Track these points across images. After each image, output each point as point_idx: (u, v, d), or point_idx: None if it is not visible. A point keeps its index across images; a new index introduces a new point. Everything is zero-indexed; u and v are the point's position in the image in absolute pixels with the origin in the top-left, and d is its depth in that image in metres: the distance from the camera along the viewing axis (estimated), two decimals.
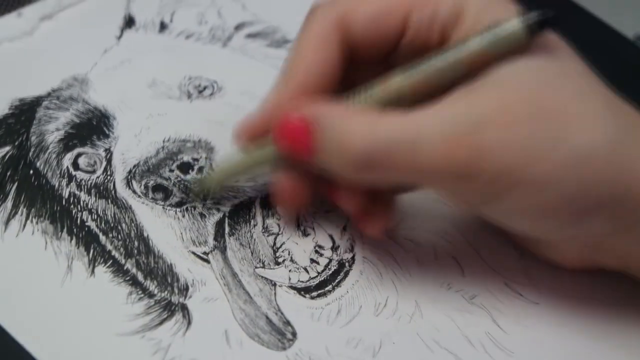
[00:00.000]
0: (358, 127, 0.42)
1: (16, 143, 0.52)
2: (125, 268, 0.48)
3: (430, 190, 0.47)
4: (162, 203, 0.49)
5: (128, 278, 0.47)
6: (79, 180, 0.51)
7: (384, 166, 0.42)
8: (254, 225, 0.50)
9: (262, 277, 0.48)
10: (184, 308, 0.47)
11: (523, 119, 0.40)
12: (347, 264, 0.49)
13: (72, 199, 0.50)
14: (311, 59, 0.45)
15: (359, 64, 0.47)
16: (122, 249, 0.48)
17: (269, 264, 0.48)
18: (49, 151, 0.52)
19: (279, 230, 0.50)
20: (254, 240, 0.49)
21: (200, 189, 0.50)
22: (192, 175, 0.50)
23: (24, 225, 0.49)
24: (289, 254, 0.49)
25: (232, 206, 0.50)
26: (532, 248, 0.49)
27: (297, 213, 0.50)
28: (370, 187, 0.46)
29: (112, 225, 0.49)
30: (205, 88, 0.56)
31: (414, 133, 0.41)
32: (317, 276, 0.48)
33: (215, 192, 0.50)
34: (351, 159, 0.42)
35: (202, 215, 0.49)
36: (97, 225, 0.49)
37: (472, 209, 0.48)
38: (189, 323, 0.46)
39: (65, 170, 0.51)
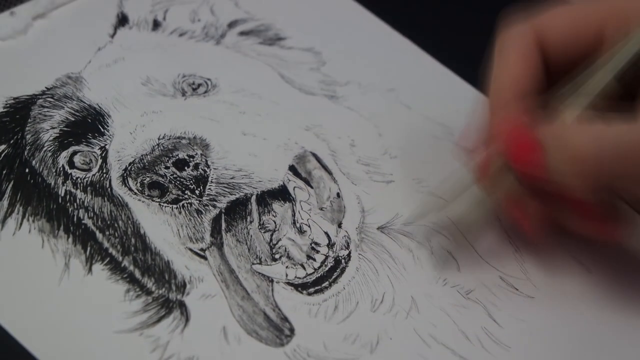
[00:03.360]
0: (586, 137, 0.43)
1: (11, 142, 0.52)
2: (122, 265, 0.48)
3: None
4: (158, 200, 0.49)
5: (125, 275, 0.47)
6: (74, 179, 0.51)
7: (614, 172, 0.43)
8: (250, 222, 0.50)
9: (259, 273, 0.48)
10: (181, 305, 0.47)
11: None
12: (343, 261, 0.49)
13: (68, 197, 0.50)
14: (517, 76, 0.47)
15: (553, 77, 0.47)
16: (119, 247, 0.48)
17: (265, 260, 0.49)
18: (44, 149, 0.51)
19: (275, 227, 0.50)
20: (251, 236, 0.49)
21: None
22: (187, 172, 0.50)
23: (21, 224, 0.49)
24: (285, 251, 0.49)
25: (228, 202, 0.50)
26: None
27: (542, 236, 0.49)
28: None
29: (108, 222, 0.49)
30: (199, 86, 0.56)
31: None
32: (313, 272, 0.48)
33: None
34: (582, 167, 0.43)
35: (198, 211, 0.49)
36: (93, 223, 0.49)
37: None
38: (187, 320, 0.46)
39: (61, 169, 0.51)
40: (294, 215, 0.50)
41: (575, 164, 0.43)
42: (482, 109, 0.48)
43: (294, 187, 0.52)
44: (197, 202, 0.49)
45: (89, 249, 0.48)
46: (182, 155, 0.50)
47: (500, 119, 0.47)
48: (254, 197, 0.50)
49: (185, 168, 0.50)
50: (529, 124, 0.45)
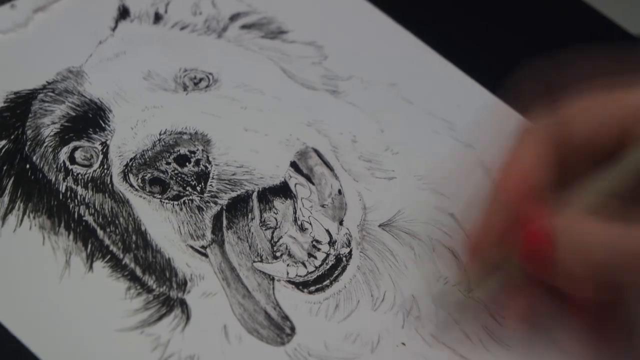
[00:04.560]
0: (600, 237, 0.42)
1: (12, 137, 0.52)
2: (123, 263, 0.48)
3: None
4: (160, 196, 0.49)
5: (126, 273, 0.47)
6: (75, 175, 0.51)
7: (624, 277, 0.42)
8: (252, 219, 0.50)
9: (260, 271, 0.48)
10: (182, 303, 0.47)
11: None
12: (344, 259, 0.49)
13: (69, 193, 0.50)
14: (531, 171, 0.45)
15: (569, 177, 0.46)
16: (120, 244, 0.48)
17: (266, 258, 0.49)
18: (45, 145, 0.51)
19: (276, 224, 0.50)
20: (252, 234, 0.49)
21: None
22: (188, 168, 0.49)
23: (22, 220, 0.48)
24: (286, 248, 0.49)
25: (230, 199, 0.50)
26: None
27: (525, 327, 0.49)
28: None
29: (109, 219, 0.49)
30: (201, 80, 0.56)
31: None
32: (314, 271, 0.48)
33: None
34: (592, 267, 0.42)
35: (199, 208, 0.49)
36: (94, 220, 0.49)
37: None
38: (188, 318, 0.46)
39: (62, 164, 0.51)
40: (295, 212, 0.50)
41: (586, 263, 0.42)
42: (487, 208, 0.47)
43: (296, 184, 0.51)
44: (199, 198, 0.49)
45: (89, 246, 0.48)
46: (183, 151, 0.50)
47: (509, 211, 0.45)
48: (255, 194, 0.50)
49: (187, 164, 0.50)
50: (543, 219, 0.43)
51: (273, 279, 0.48)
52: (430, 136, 0.56)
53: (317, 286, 0.48)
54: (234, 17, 0.60)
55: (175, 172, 0.49)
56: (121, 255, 0.48)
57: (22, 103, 0.53)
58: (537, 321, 0.48)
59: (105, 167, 0.51)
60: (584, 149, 0.45)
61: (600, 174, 0.44)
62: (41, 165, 0.51)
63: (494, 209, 0.46)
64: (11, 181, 0.50)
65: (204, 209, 0.49)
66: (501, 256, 0.45)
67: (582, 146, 0.45)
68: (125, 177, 0.50)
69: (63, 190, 0.50)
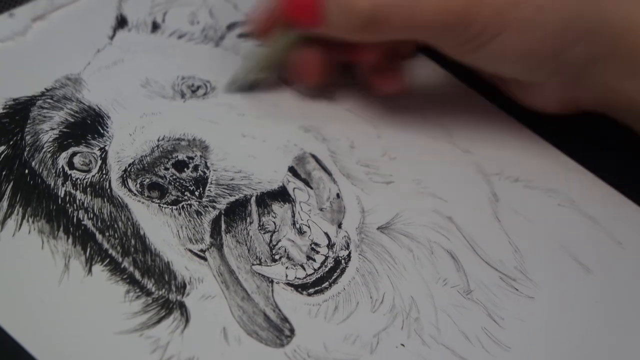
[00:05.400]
0: None
1: (11, 143, 0.52)
2: (122, 266, 0.48)
3: (426, 42, 0.51)
4: (158, 201, 0.49)
5: (125, 276, 0.47)
6: (74, 180, 0.51)
7: (386, 24, 0.48)
8: (250, 223, 0.50)
9: (259, 274, 0.48)
10: (181, 306, 0.47)
11: None
12: (343, 261, 0.49)
13: (67, 198, 0.50)
14: None
15: None
16: (119, 248, 0.48)
17: (265, 261, 0.49)
18: (43, 150, 0.51)
19: (275, 228, 0.50)
20: (250, 237, 0.49)
21: (233, 84, 0.56)
22: (187, 173, 0.50)
23: (20, 225, 0.49)
24: (285, 251, 0.49)
25: (228, 204, 0.50)
26: (516, 95, 0.55)
27: (320, 85, 0.55)
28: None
29: (108, 223, 0.49)
30: (198, 88, 0.56)
31: None
32: (313, 273, 0.48)
33: (247, 84, 0.56)
34: (357, 20, 0.48)
35: (198, 213, 0.49)
36: (93, 224, 0.49)
37: (463, 57, 0.52)
38: (187, 321, 0.46)
39: (61, 170, 0.51)
40: (293, 216, 0.51)
41: (351, 14, 0.48)
42: None
43: (294, 188, 0.52)
44: (197, 203, 0.49)
45: (88, 250, 0.48)
46: (181, 156, 0.50)
47: None
48: (253, 199, 0.50)
49: (185, 169, 0.50)
50: None
51: (272, 282, 0.48)
52: (426, 141, 0.56)
53: (316, 288, 0.48)
54: (231, 26, 0.61)
55: (174, 177, 0.50)
56: (120, 259, 0.48)
57: (21, 109, 0.53)
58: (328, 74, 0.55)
59: (104, 172, 0.51)
60: None
61: None
62: (40, 170, 0.51)
63: None
64: (10, 186, 0.50)
65: (203, 213, 0.49)
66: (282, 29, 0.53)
67: None
68: (123, 182, 0.50)
69: (62, 195, 0.50)
